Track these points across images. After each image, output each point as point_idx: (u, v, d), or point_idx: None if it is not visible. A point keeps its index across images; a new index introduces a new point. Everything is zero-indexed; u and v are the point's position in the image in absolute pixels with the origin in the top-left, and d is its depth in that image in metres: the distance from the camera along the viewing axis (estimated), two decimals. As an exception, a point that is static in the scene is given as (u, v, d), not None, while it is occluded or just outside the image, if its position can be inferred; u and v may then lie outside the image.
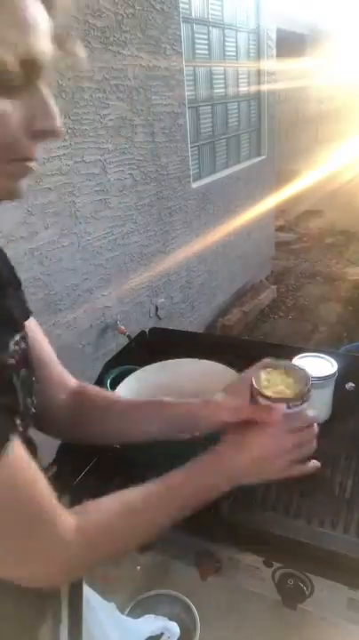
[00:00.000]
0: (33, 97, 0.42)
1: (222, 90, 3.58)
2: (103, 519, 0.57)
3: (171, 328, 1.64)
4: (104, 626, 1.03)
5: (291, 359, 1.11)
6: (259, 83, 4.16)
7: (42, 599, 0.66)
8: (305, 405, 0.65)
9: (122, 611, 1.44)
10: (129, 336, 2.28)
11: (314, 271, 5.04)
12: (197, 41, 3.12)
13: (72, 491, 1.06)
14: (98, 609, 1.07)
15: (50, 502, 0.51)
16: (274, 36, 4.22)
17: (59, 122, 0.44)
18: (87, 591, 1.13)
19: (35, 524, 0.50)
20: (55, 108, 0.44)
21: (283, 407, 0.64)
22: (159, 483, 0.62)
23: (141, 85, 2.41)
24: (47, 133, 0.44)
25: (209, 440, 0.94)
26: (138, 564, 1.83)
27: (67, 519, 0.52)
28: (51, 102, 0.43)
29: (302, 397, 0.65)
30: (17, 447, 0.46)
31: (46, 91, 0.43)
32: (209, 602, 1.59)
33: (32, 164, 0.46)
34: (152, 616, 1.37)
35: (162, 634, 1.35)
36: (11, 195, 0.47)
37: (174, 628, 1.37)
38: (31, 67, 0.40)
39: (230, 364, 1.09)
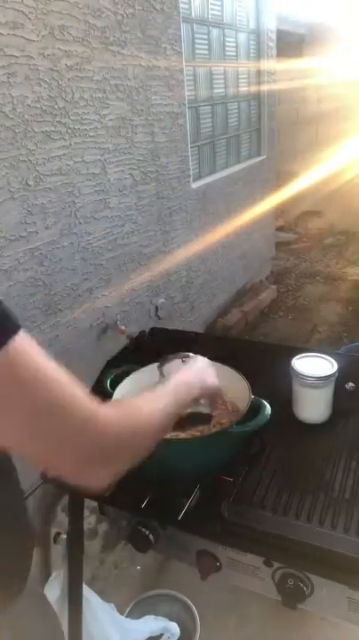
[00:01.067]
0: None
1: (222, 90, 3.58)
2: (135, 410, 0.63)
3: (171, 328, 1.64)
4: (104, 626, 1.03)
5: (291, 359, 1.12)
6: (259, 83, 4.16)
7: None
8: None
9: (122, 610, 1.44)
10: (129, 336, 2.28)
11: (314, 271, 5.04)
12: (197, 41, 3.12)
13: (72, 491, 1.07)
14: (97, 609, 1.07)
15: (78, 385, 0.53)
16: (274, 36, 4.21)
17: None
18: (87, 592, 1.14)
19: (71, 404, 0.51)
20: None
21: None
22: (162, 392, 0.73)
23: (141, 85, 2.41)
24: None
25: (210, 437, 0.94)
26: (138, 565, 1.83)
27: (98, 404, 0.54)
28: None
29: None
30: (26, 337, 0.50)
31: None
32: (209, 602, 1.59)
33: None
34: (152, 617, 1.37)
35: (162, 634, 1.35)
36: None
37: (174, 628, 1.37)
38: None
39: (230, 364, 1.09)
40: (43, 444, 0.51)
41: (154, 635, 1.32)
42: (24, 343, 0.48)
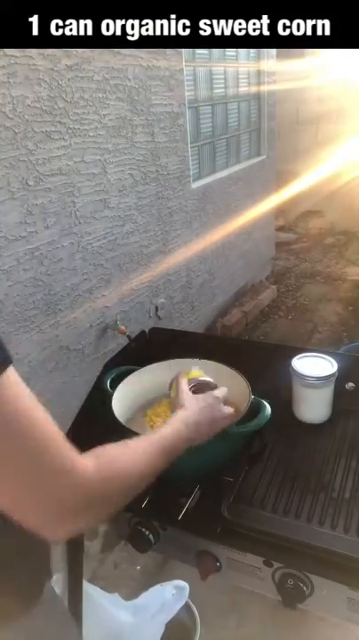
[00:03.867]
0: None
1: (222, 90, 3.58)
2: (115, 457, 0.59)
3: (171, 328, 1.64)
4: (112, 611, 1.02)
5: (291, 359, 1.12)
6: (258, 83, 4.16)
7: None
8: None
9: (122, 611, 1.43)
10: (129, 336, 2.28)
11: (314, 271, 5.04)
12: (197, 41, 3.11)
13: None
14: (102, 599, 1.07)
15: (58, 432, 0.49)
16: (274, 36, 4.21)
17: None
18: (89, 587, 1.13)
19: (48, 450, 0.47)
20: None
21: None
22: (156, 437, 0.71)
23: (141, 85, 2.40)
24: None
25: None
26: (138, 565, 1.83)
27: (77, 454, 0.52)
28: None
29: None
30: (14, 374, 0.46)
31: None
32: (209, 602, 1.59)
33: None
34: (158, 585, 1.35)
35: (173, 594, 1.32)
36: None
37: (181, 584, 1.33)
38: None
39: (230, 364, 1.09)
40: (11, 488, 0.47)
41: (167, 599, 1.30)
42: (11, 380, 0.46)
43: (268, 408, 0.98)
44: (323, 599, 0.84)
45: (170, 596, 1.25)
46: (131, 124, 2.37)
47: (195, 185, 3.17)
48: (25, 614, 0.69)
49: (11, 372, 0.46)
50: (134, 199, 2.49)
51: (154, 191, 2.67)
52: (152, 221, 2.69)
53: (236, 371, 1.06)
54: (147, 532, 0.98)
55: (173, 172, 2.84)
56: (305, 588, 0.83)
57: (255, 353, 1.29)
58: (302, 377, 1.07)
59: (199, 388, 0.94)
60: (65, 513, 0.50)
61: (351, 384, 1.16)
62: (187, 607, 1.56)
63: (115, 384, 1.07)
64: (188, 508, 0.89)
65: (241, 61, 3.80)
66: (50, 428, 0.49)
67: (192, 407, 0.84)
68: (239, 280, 4.13)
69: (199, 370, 1.03)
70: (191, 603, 1.56)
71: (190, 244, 3.15)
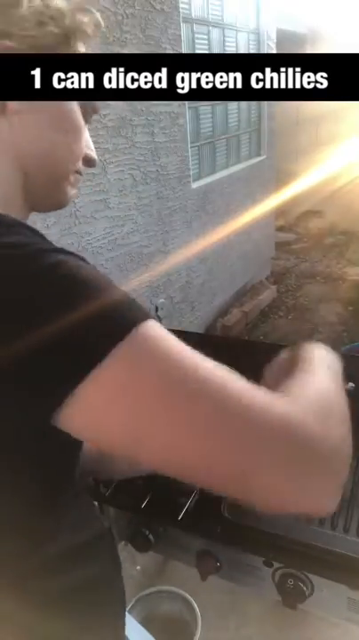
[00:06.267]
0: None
1: (222, 90, 3.57)
2: (307, 385, 0.44)
3: (171, 328, 1.63)
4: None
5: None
6: (259, 83, 4.15)
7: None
8: None
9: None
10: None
11: (314, 271, 5.04)
12: (197, 41, 3.11)
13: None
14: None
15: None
16: (274, 36, 4.21)
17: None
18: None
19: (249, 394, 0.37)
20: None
21: None
22: (314, 359, 0.53)
23: (141, 85, 2.41)
24: (89, 161, 0.56)
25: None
26: (138, 565, 1.83)
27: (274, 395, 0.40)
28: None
29: None
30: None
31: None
32: (209, 602, 1.59)
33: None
34: None
35: None
36: (65, 202, 0.56)
37: None
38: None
39: (230, 364, 1.08)
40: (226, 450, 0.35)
41: None
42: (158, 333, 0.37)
43: (268, 408, 0.97)
44: (322, 599, 0.84)
45: None
46: (131, 124, 2.37)
47: (195, 185, 3.17)
48: None
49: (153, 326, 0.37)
50: (134, 199, 2.49)
51: (154, 191, 2.67)
52: (152, 221, 2.69)
53: (236, 371, 1.06)
54: (147, 532, 0.98)
55: (173, 172, 2.84)
56: (305, 588, 0.83)
57: (255, 353, 1.29)
58: (302, 377, 1.07)
59: None
60: (297, 469, 0.37)
61: (351, 384, 1.15)
62: (188, 604, 1.56)
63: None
64: (188, 508, 0.89)
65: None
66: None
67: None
68: (239, 280, 4.13)
69: None
70: (192, 599, 1.56)
71: (190, 244, 3.15)
